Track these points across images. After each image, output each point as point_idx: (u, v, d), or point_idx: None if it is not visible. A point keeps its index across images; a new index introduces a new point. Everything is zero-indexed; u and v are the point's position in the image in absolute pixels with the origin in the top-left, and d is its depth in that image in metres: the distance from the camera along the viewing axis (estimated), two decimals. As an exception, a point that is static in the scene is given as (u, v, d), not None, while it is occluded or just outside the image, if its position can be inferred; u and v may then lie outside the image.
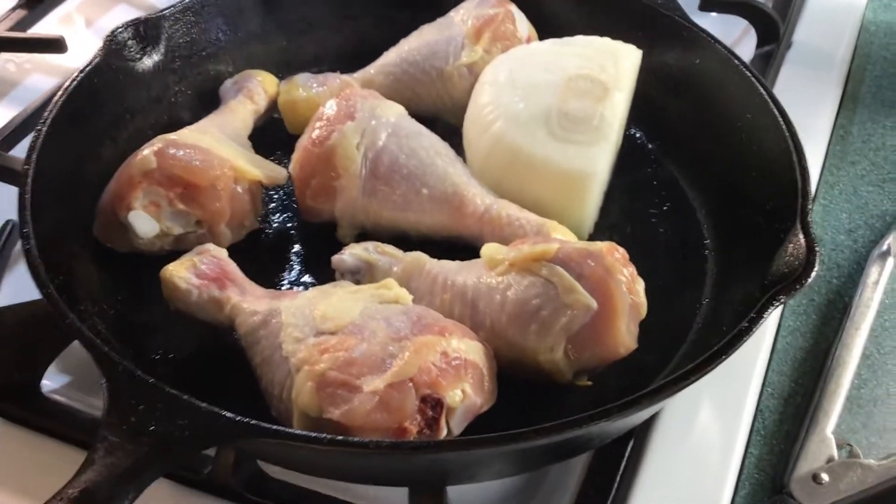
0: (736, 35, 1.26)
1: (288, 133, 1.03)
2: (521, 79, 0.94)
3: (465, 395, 0.70)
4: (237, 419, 0.63)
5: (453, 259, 0.84)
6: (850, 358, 0.87)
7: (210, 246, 0.85)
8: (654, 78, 1.02)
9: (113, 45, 0.96)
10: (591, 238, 0.94)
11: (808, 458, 0.80)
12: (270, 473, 0.76)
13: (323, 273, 0.88)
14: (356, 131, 0.90)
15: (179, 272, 0.81)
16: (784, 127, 0.86)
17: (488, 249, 0.80)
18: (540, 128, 0.90)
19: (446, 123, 1.02)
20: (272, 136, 1.04)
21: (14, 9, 1.29)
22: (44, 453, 0.78)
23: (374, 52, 1.08)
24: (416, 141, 0.91)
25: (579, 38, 0.99)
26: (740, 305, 0.77)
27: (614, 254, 0.76)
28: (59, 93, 0.89)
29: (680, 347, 0.83)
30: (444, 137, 0.94)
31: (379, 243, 0.86)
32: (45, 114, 0.87)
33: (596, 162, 0.89)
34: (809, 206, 0.78)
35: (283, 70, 1.08)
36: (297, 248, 0.95)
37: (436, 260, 0.84)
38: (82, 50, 1.23)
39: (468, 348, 0.71)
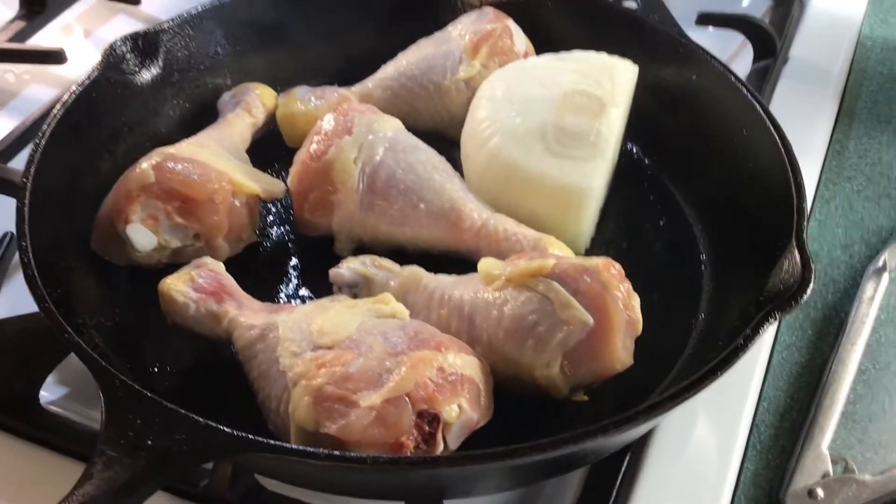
0: (732, 50, 1.27)
1: (286, 146, 1.03)
2: (518, 94, 0.94)
3: (462, 411, 0.70)
4: (235, 434, 0.63)
5: (450, 273, 0.84)
6: (846, 373, 0.87)
7: (208, 259, 0.86)
8: (651, 93, 1.03)
9: (111, 59, 0.96)
10: (588, 253, 0.94)
11: (804, 473, 0.80)
12: (267, 487, 0.76)
13: (320, 286, 0.88)
14: (353, 146, 0.90)
15: (177, 286, 0.81)
16: (780, 144, 0.87)
17: (485, 264, 0.80)
18: (536, 143, 0.90)
19: (444, 138, 1.02)
20: (270, 148, 1.04)
21: (13, 19, 1.29)
22: (41, 465, 0.78)
23: (371, 66, 1.08)
24: (413, 155, 0.91)
25: (576, 54, 0.99)
26: (736, 321, 0.77)
27: (610, 269, 0.76)
28: (58, 106, 0.90)
29: (676, 363, 0.84)
30: (441, 152, 0.95)
31: (376, 257, 0.87)
32: (44, 127, 0.87)
33: (592, 177, 0.89)
34: (805, 223, 0.79)
35: (281, 83, 1.08)
36: (294, 261, 0.95)
37: (433, 274, 0.84)
38: (81, 61, 1.23)
39: (465, 363, 0.71)
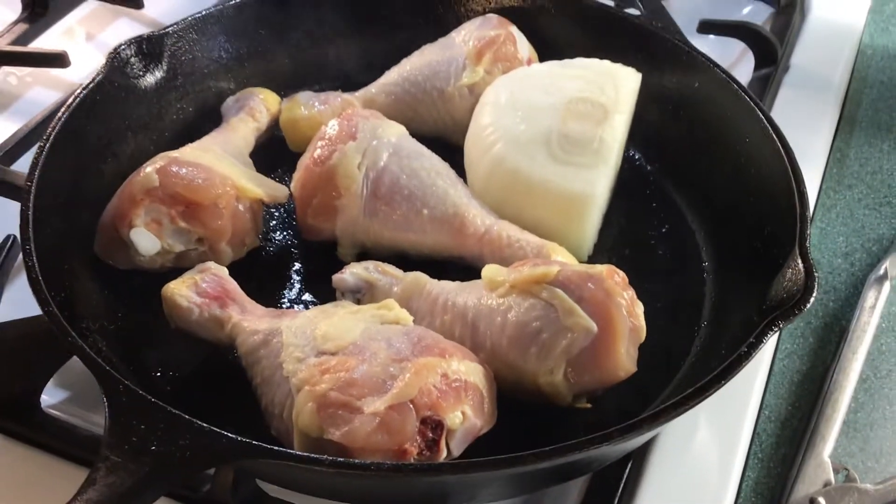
0: (734, 58, 1.27)
1: (289, 151, 1.03)
2: (521, 100, 0.95)
3: (466, 417, 0.70)
4: (239, 440, 0.63)
5: (453, 279, 0.84)
6: (847, 382, 0.87)
7: (211, 264, 0.86)
8: (654, 101, 1.03)
9: (115, 62, 0.96)
10: (590, 260, 0.94)
11: (806, 481, 0.80)
12: (269, 492, 0.76)
13: (323, 291, 0.88)
14: (357, 151, 0.90)
15: (181, 290, 0.81)
16: (783, 152, 0.87)
17: (489, 271, 0.80)
18: (540, 150, 0.91)
19: (447, 143, 1.02)
20: (273, 153, 1.04)
21: (16, 22, 1.29)
22: (42, 470, 0.78)
23: (375, 71, 1.09)
24: (417, 161, 0.91)
25: (579, 61, 0.99)
26: (739, 330, 0.77)
27: (614, 277, 0.76)
28: (62, 109, 0.90)
29: (679, 370, 0.84)
30: (444, 157, 0.95)
31: (380, 263, 0.87)
32: (48, 130, 0.87)
33: (595, 184, 0.90)
34: (808, 232, 0.79)
35: (285, 88, 1.08)
36: (297, 266, 0.95)
37: (436, 280, 0.84)
38: (84, 64, 1.23)
39: (468, 370, 0.71)
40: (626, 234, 0.98)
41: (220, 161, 0.91)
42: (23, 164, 1.03)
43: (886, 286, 0.96)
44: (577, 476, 0.77)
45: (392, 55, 1.09)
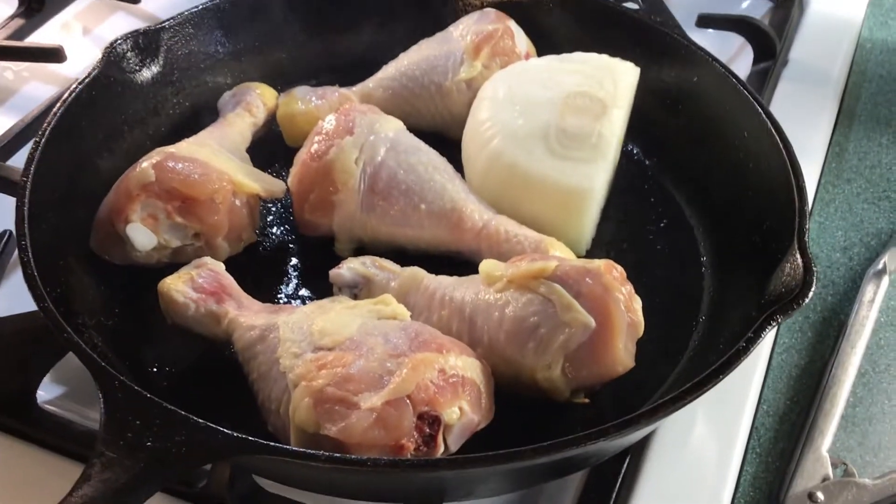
0: (732, 52, 1.27)
1: (286, 146, 1.03)
2: (519, 95, 0.94)
3: (463, 413, 0.70)
4: (235, 436, 0.63)
5: (451, 274, 0.84)
6: (846, 376, 0.87)
7: (208, 259, 0.85)
8: (652, 95, 1.03)
9: (112, 57, 0.96)
10: (589, 254, 0.94)
11: (804, 476, 0.80)
12: (266, 488, 0.76)
13: (320, 287, 0.88)
14: (355, 146, 0.90)
15: (177, 286, 0.81)
16: (781, 146, 0.87)
17: (486, 265, 0.80)
18: (538, 144, 0.90)
19: (445, 138, 1.02)
20: (270, 148, 1.04)
21: (12, 17, 1.29)
22: (38, 466, 0.78)
23: (372, 66, 1.08)
24: (414, 156, 0.91)
25: (577, 55, 0.99)
26: (737, 324, 0.77)
27: (612, 272, 0.76)
28: (58, 104, 0.89)
29: (677, 365, 0.84)
30: (442, 152, 0.95)
31: (377, 258, 0.86)
32: (44, 125, 0.87)
33: (593, 179, 0.89)
34: (807, 226, 0.79)
35: (282, 83, 1.08)
36: (294, 261, 0.95)
37: (433, 275, 0.84)
38: (80, 58, 1.23)
39: (466, 365, 0.71)
40: (625, 229, 0.98)
41: (216, 156, 0.90)
42: (18, 160, 1.03)
43: (885, 280, 0.96)
44: (575, 471, 0.77)
45: (389, 50, 1.09)
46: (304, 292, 0.91)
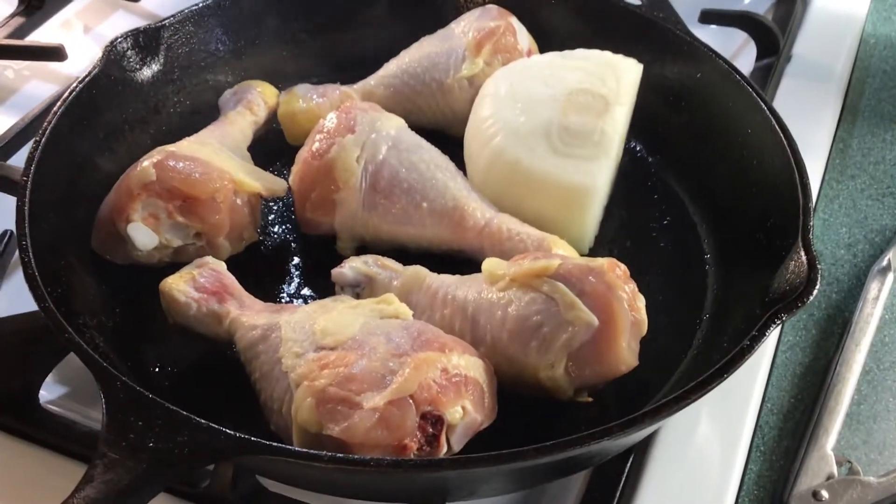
0: (735, 47, 1.27)
1: (287, 144, 1.03)
2: (521, 92, 0.94)
3: (466, 412, 0.69)
4: (237, 436, 0.62)
5: (453, 273, 0.84)
6: (850, 374, 0.87)
7: (209, 259, 0.85)
8: (655, 91, 1.02)
9: (112, 56, 0.95)
10: (591, 252, 0.94)
11: (808, 474, 0.80)
12: (269, 487, 0.75)
13: (322, 286, 0.88)
14: (356, 144, 0.90)
15: (178, 285, 0.81)
16: (785, 143, 0.86)
17: (489, 264, 0.80)
18: (540, 142, 0.90)
19: (447, 136, 1.02)
20: (271, 146, 1.04)
21: (12, 15, 1.29)
22: (41, 466, 0.78)
23: (374, 63, 1.08)
24: (416, 154, 0.91)
25: (580, 52, 0.99)
26: (741, 323, 0.77)
27: (615, 270, 0.76)
28: (58, 104, 0.89)
29: (680, 363, 0.83)
30: (444, 150, 0.94)
31: (379, 256, 0.86)
32: (44, 124, 0.87)
33: (596, 176, 0.89)
34: (811, 224, 0.78)
35: (283, 81, 1.08)
36: (296, 260, 0.94)
37: (436, 274, 0.83)
38: (81, 57, 1.23)
39: (468, 364, 0.71)
40: (628, 227, 0.98)
41: (217, 155, 0.90)
42: (19, 159, 1.03)
43: (890, 277, 0.96)
44: (579, 470, 0.76)
45: (391, 47, 1.09)
46: (305, 291, 0.91)
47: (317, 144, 0.91)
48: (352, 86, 1.06)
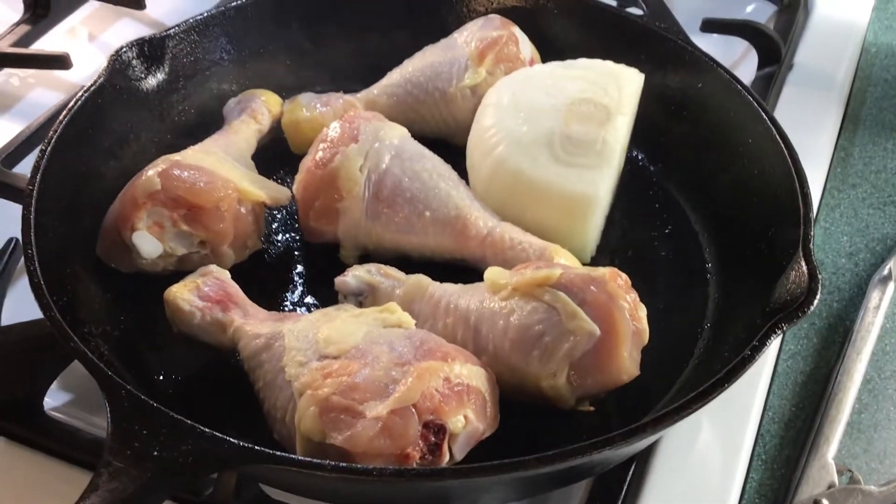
0: (737, 56, 1.27)
1: (291, 153, 1.03)
2: (524, 101, 0.94)
3: (468, 421, 0.70)
4: (241, 445, 0.63)
5: (455, 282, 0.84)
6: (851, 383, 0.87)
7: (213, 267, 0.86)
8: (656, 101, 1.03)
9: (117, 65, 0.96)
10: (593, 261, 0.94)
11: (809, 483, 0.80)
12: (272, 496, 0.76)
13: (325, 294, 0.88)
14: (359, 153, 0.90)
15: (183, 294, 0.81)
16: (786, 153, 0.87)
17: (491, 273, 0.80)
18: (542, 151, 0.90)
19: (449, 145, 1.02)
20: (275, 155, 1.04)
21: (18, 23, 1.29)
22: (45, 473, 0.78)
23: (377, 73, 1.08)
24: (419, 164, 0.91)
25: (582, 61, 0.99)
26: (742, 332, 0.77)
27: (617, 280, 0.76)
28: (64, 113, 0.90)
29: (682, 373, 0.84)
30: (447, 159, 0.95)
31: (382, 265, 0.87)
32: (50, 133, 0.87)
33: (598, 186, 0.89)
34: (812, 234, 0.79)
35: (287, 90, 1.08)
36: (299, 268, 0.95)
37: (438, 283, 0.84)
38: (86, 65, 1.23)
39: (471, 374, 0.71)
40: (629, 236, 0.98)
41: (221, 164, 0.91)
42: (25, 167, 1.04)
43: (891, 286, 0.96)
44: (580, 479, 0.77)
45: (394, 56, 1.09)
46: (309, 300, 0.92)
47: (320, 153, 0.92)
48: (355, 95, 1.06)
